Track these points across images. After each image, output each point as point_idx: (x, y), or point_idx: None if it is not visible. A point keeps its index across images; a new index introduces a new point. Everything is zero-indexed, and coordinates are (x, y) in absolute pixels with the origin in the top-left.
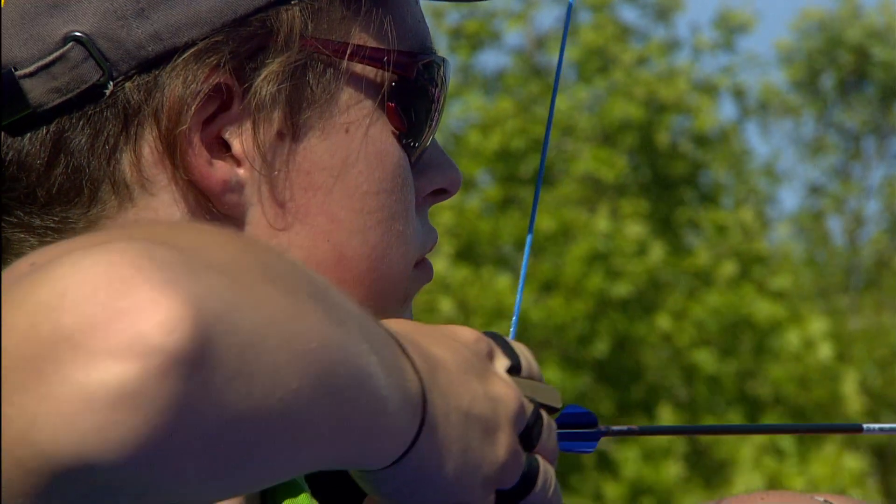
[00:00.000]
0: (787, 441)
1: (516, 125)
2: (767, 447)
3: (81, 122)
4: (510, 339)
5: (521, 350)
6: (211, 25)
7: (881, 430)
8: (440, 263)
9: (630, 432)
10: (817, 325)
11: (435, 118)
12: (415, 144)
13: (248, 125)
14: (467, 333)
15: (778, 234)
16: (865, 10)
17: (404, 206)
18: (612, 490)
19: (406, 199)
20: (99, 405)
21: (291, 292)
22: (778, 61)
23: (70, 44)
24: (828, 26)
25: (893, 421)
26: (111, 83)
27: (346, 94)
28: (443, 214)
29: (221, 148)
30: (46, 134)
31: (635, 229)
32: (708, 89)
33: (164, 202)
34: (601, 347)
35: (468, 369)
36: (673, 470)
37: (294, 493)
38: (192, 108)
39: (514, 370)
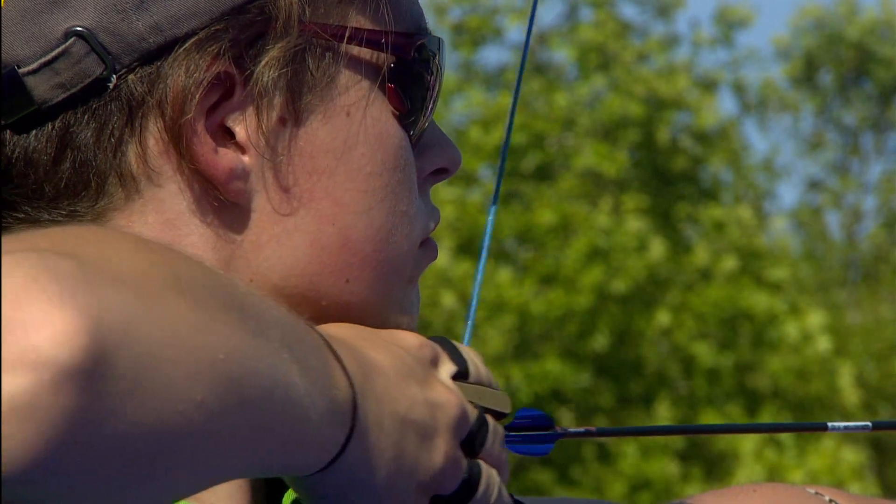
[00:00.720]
0: (785, 434)
1: (518, 121)
2: (767, 440)
3: (86, 117)
4: (464, 344)
5: (471, 356)
6: (210, 14)
7: (846, 428)
8: (442, 257)
9: (587, 434)
10: (815, 318)
11: (433, 97)
12: (415, 124)
13: (251, 112)
14: (410, 339)
15: (776, 229)
16: (864, 6)
17: (407, 187)
18: (613, 484)
19: (409, 178)
20: None
21: (201, 303)
22: (775, 57)
23: (72, 39)
24: (826, 23)
25: (890, 414)
26: (114, 76)
27: (346, 77)
28: (444, 208)
29: (225, 136)
30: (52, 130)
31: (635, 224)
32: (707, 85)
33: (170, 192)
34: (601, 341)
35: (408, 374)
36: (670, 466)
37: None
38: (196, 98)
39: (461, 376)
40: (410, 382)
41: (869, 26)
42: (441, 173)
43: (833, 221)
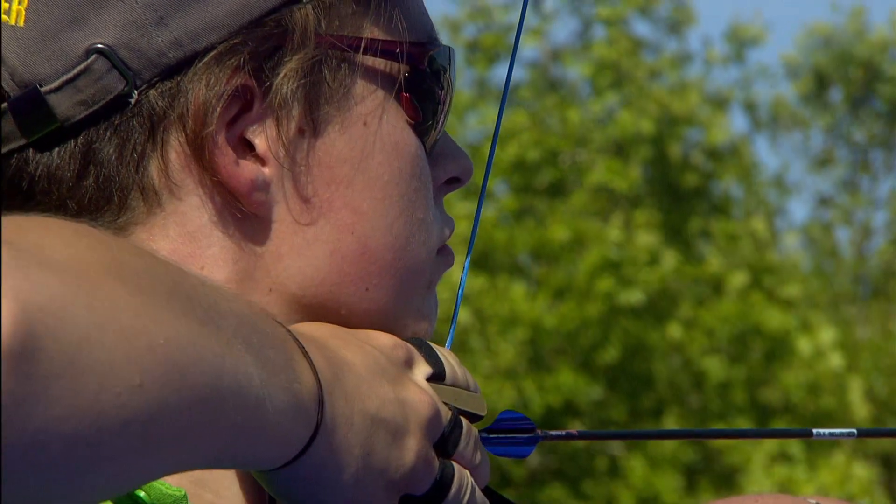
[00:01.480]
0: (796, 448)
1: (531, 137)
2: (777, 454)
3: (108, 133)
4: (446, 347)
5: (448, 358)
6: (228, 29)
7: (831, 434)
8: (456, 272)
9: (569, 437)
10: (827, 335)
11: (446, 106)
12: (429, 133)
13: (270, 123)
14: (385, 339)
15: (787, 245)
16: (873, 25)
17: (423, 195)
18: (623, 497)
19: (425, 186)
20: None
21: (142, 290)
22: (786, 75)
23: (93, 56)
24: (835, 41)
25: None
26: (135, 92)
27: (361, 88)
28: (458, 223)
29: (246, 148)
30: (75, 146)
31: (647, 239)
32: (719, 102)
33: (191, 205)
34: (613, 353)
35: (380, 373)
36: (678, 480)
37: None
38: (217, 110)
39: (437, 377)
40: (382, 381)
41: (878, 45)
42: (454, 182)
43: (843, 237)
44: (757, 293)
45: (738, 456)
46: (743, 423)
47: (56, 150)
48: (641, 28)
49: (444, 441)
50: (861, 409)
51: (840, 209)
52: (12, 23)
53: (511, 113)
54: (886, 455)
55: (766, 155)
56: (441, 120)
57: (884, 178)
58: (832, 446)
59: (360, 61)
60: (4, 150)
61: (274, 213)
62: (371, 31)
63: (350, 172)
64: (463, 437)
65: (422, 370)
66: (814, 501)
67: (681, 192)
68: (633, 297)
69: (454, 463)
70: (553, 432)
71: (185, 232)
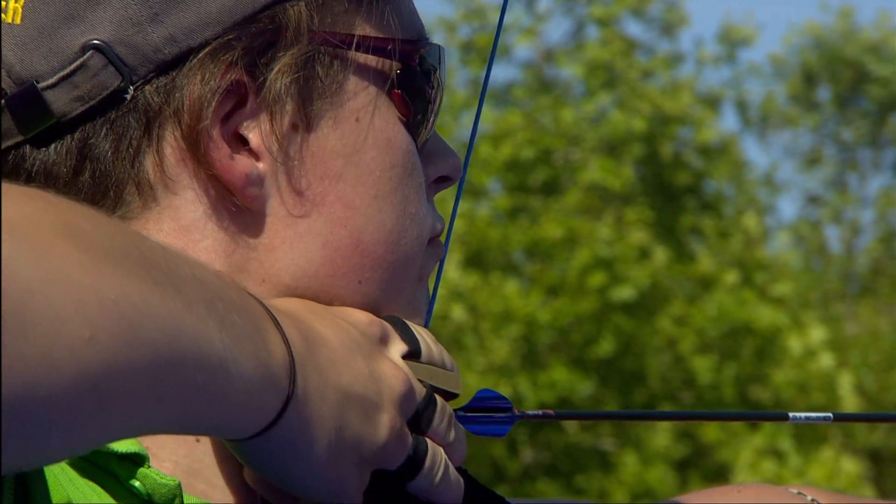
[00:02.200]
0: (786, 444)
1: (525, 136)
2: (766, 450)
3: (104, 128)
4: (425, 327)
5: (424, 336)
6: (223, 25)
7: (807, 419)
8: (450, 270)
9: (545, 417)
10: (817, 334)
11: (437, 104)
12: (420, 130)
13: (264, 118)
14: (360, 316)
15: (778, 243)
16: (861, 25)
17: (415, 190)
18: (615, 493)
19: (416, 182)
20: None
21: (93, 249)
22: (775, 74)
23: (89, 52)
24: (824, 41)
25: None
26: (131, 87)
27: (354, 83)
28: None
29: (240, 143)
30: (71, 142)
31: (639, 236)
32: (710, 102)
33: (186, 199)
34: (605, 349)
35: (354, 349)
36: (667, 475)
37: None
38: (212, 105)
39: (413, 355)
40: (356, 356)
41: (866, 45)
42: (443, 181)
43: (832, 235)
44: (748, 291)
45: (729, 451)
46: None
47: (53, 145)
48: (634, 29)
49: (417, 417)
50: (850, 405)
51: (829, 207)
52: (9, 20)
53: (505, 112)
54: (875, 450)
55: (756, 154)
56: (432, 117)
57: (872, 177)
58: (821, 441)
59: (352, 58)
60: (2, 146)
61: (268, 207)
62: (363, 29)
63: (342, 166)
64: (437, 414)
65: (397, 348)
66: (795, 491)
67: (672, 190)
68: (625, 293)
69: (428, 440)
70: (529, 412)
71: (179, 225)
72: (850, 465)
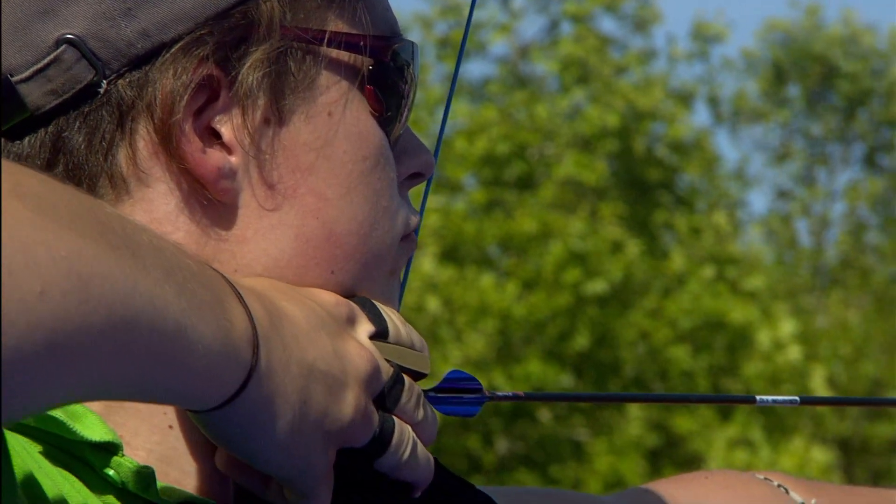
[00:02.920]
0: (757, 434)
1: (500, 131)
2: (738, 441)
3: (78, 122)
4: (397, 310)
5: (392, 317)
6: (195, 20)
7: (774, 402)
8: (426, 264)
9: (515, 398)
10: (788, 326)
11: (410, 99)
12: (393, 125)
13: (236, 112)
14: (327, 296)
15: (749, 237)
16: (829, 21)
17: (387, 184)
18: (589, 482)
19: (389, 176)
20: None
21: (44, 210)
22: (746, 70)
23: (63, 46)
24: (793, 37)
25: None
26: (104, 81)
27: (326, 79)
28: (429, 216)
29: (212, 137)
30: (45, 135)
31: (612, 230)
32: (683, 97)
33: (159, 192)
34: (580, 342)
35: (320, 327)
36: (640, 465)
37: None
38: (184, 100)
39: (381, 336)
40: (321, 334)
41: (834, 41)
42: (416, 177)
43: (802, 229)
44: (720, 284)
45: (701, 442)
46: (705, 411)
47: (27, 139)
48: (608, 25)
49: (383, 396)
50: None
51: (799, 201)
52: None
53: (481, 108)
54: (844, 439)
55: (727, 149)
56: (405, 113)
57: (841, 171)
58: (791, 431)
59: (324, 53)
60: None
61: (240, 200)
62: (335, 25)
63: (314, 160)
64: (405, 393)
65: (364, 328)
66: (762, 477)
67: (646, 184)
68: (599, 286)
69: (396, 418)
70: (499, 393)
71: (151, 218)
72: (820, 455)
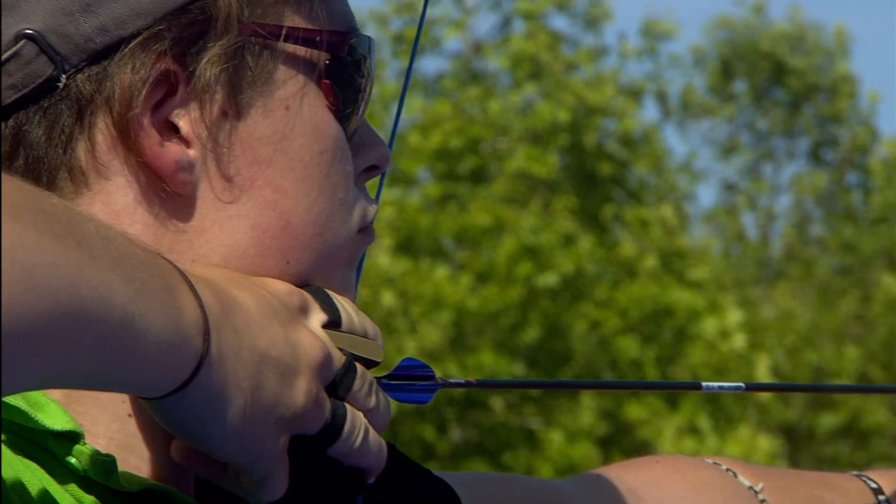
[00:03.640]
0: (704, 422)
1: (454, 126)
2: (686, 429)
3: (38, 116)
4: (352, 300)
5: (346, 306)
6: (153, 15)
7: (720, 388)
8: (381, 257)
9: (467, 385)
10: (733, 317)
11: (366, 93)
12: (350, 119)
13: (194, 107)
14: (280, 285)
15: (697, 230)
16: (774, 18)
17: (344, 177)
18: (541, 469)
19: (345, 169)
20: None
21: None
22: (694, 65)
23: (22, 41)
24: (740, 34)
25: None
26: (63, 76)
27: (283, 73)
28: (384, 209)
29: (171, 130)
30: (5, 129)
31: (564, 224)
32: (633, 93)
33: (118, 185)
34: (532, 334)
35: (272, 315)
36: (591, 452)
37: None
38: (142, 94)
39: (333, 325)
40: (273, 322)
41: (780, 37)
42: (372, 170)
43: (749, 221)
44: (668, 276)
45: (650, 430)
46: (654, 400)
47: None
48: (559, 23)
49: (335, 384)
50: None
51: (745, 195)
52: None
53: (435, 103)
54: (789, 428)
55: (676, 143)
56: (361, 106)
57: (786, 165)
58: (738, 420)
59: (281, 48)
60: None
61: (198, 192)
62: (292, 20)
63: (271, 153)
64: (357, 380)
65: (317, 317)
66: (710, 461)
67: (596, 178)
68: (551, 279)
69: (348, 406)
70: (452, 379)
71: (110, 210)
72: (766, 443)
